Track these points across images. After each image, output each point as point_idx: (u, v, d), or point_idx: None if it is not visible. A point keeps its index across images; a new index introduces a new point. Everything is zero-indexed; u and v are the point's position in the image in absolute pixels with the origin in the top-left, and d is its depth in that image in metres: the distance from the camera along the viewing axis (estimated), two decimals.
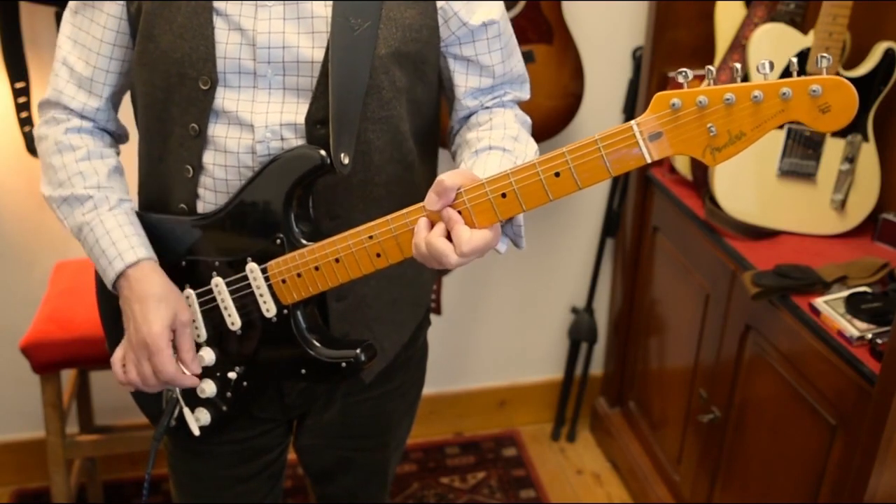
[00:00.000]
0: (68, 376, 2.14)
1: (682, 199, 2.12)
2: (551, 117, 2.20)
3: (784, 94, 0.93)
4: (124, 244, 1.21)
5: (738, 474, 1.97)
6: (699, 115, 0.97)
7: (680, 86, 0.98)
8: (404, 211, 1.11)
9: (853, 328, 1.60)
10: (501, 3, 1.27)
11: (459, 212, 1.07)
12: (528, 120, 1.32)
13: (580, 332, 2.61)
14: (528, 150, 1.23)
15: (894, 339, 1.40)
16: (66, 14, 1.24)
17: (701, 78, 2.04)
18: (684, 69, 0.97)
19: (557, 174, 1.03)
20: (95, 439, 2.05)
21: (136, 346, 1.21)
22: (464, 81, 1.27)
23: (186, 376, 1.22)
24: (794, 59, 0.94)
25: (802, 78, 0.93)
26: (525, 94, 1.34)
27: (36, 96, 2.00)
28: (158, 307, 1.19)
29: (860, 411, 1.54)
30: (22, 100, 1.99)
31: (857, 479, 1.52)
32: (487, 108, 1.29)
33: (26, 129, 2.02)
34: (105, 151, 1.28)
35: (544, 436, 2.71)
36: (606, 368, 2.68)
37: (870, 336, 1.59)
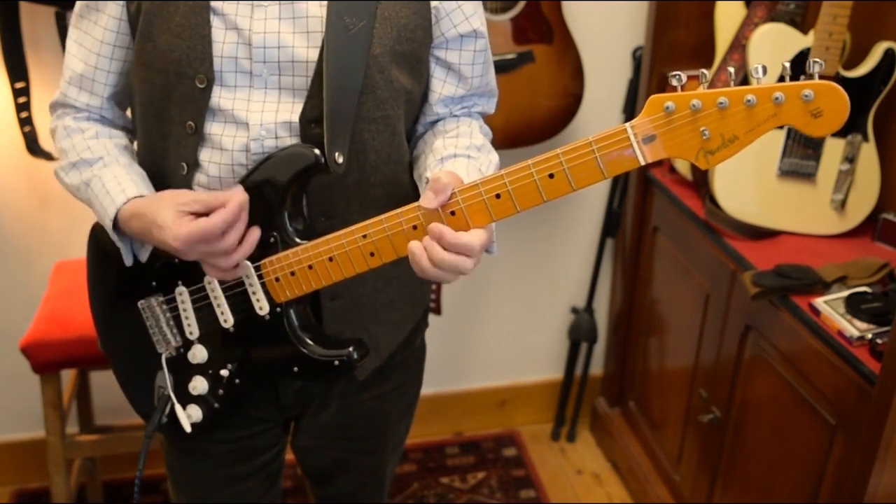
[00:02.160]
0: (68, 376, 2.14)
1: (682, 199, 2.12)
2: (551, 117, 2.20)
3: (777, 98, 0.94)
4: (129, 184, 1.21)
5: (738, 474, 1.97)
6: (693, 119, 0.98)
7: (674, 89, 0.99)
8: (398, 210, 1.11)
9: (853, 328, 1.60)
10: (484, 17, 1.28)
11: (454, 212, 1.08)
12: (490, 133, 1.33)
13: (580, 332, 2.61)
14: (491, 158, 1.24)
15: (894, 339, 1.40)
16: (73, 18, 1.26)
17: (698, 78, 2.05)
18: (678, 72, 0.98)
19: (552, 175, 1.04)
20: (95, 439, 2.06)
21: (191, 246, 1.15)
22: (440, 88, 1.27)
23: (233, 201, 1.14)
24: (787, 64, 0.95)
25: (795, 83, 0.94)
26: (491, 109, 1.36)
27: (36, 96, 2.01)
28: (164, 219, 1.14)
29: (860, 411, 1.54)
30: (22, 100, 2.00)
31: (857, 479, 1.52)
32: (455, 116, 1.31)
33: (26, 129, 2.02)
34: (114, 132, 1.29)
35: (544, 436, 2.71)
36: (606, 368, 2.68)
37: (870, 336, 1.58)
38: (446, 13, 1.22)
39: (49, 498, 2.08)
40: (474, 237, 1.07)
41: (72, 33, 1.26)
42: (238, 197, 1.14)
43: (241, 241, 1.17)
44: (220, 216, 1.13)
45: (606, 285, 2.61)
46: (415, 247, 1.08)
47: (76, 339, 1.88)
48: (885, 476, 1.48)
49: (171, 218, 1.14)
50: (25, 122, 2.01)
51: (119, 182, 1.21)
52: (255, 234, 1.18)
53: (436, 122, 1.31)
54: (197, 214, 1.15)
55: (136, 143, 1.33)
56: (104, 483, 2.39)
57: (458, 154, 1.21)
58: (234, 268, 1.18)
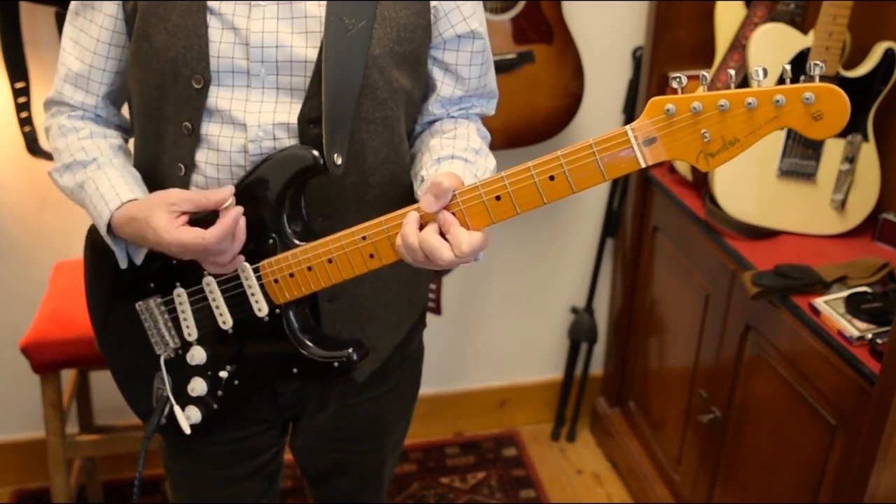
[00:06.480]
0: (68, 376, 2.14)
1: (682, 199, 2.12)
2: (551, 117, 2.19)
3: (777, 101, 0.94)
4: (123, 188, 1.20)
5: (738, 474, 1.97)
6: (693, 121, 0.98)
7: (674, 91, 0.99)
8: (398, 212, 1.11)
9: (853, 328, 1.60)
10: (484, 17, 1.27)
11: (454, 213, 1.08)
12: (488, 136, 1.33)
13: (580, 332, 2.61)
14: (487, 164, 1.23)
15: (894, 339, 1.40)
16: (69, 15, 1.26)
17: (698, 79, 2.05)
18: (678, 75, 0.98)
19: (552, 177, 1.04)
20: (95, 439, 2.06)
21: (188, 253, 1.17)
22: (437, 88, 1.27)
23: (228, 217, 1.15)
24: (788, 67, 0.95)
25: (796, 85, 0.94)
26: (491, 111, 1.35)
27: (36, 96, 2.01)
28: (158, 223, 1.14)
29: (860, 411, 1.54)
30: (22, 100, 2.00)
31: (857, 479, 1.52)
32: (453, 117, 1.30)
33: (26, 129, 2.02)
34: (108, 132, 1.29)
35: (544, 436, 2.71)
36: (606, 368, 2.68)
37: (870, 336, 1.58)
38: (444, 13, 1.21)
39: (49, 498, 2.08)
40: (467, 236, 1.06)
41: (67, 30, 1.26)
42: (232, 213, 1.15)
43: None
44: (215, 235, 1.13)
45: (606, 285, 2.61)
46: (412, 216, 1.09)
47: (76, 339, 1.88)
48: (885, 476, 1.48)
49: (166, 221, 1.14)
50: (25, 122, 2.01)
51: (113, 185, 1.20)
52: (243, 223, 1.17)
53: (433, 122, 1.31)
54: (189, 213, 1.16)
55: (132, 142, 1.32)
56: (104, 483, 2.39)
57: (456, 156, 1.20)
58: (232, 261, 1.19)
